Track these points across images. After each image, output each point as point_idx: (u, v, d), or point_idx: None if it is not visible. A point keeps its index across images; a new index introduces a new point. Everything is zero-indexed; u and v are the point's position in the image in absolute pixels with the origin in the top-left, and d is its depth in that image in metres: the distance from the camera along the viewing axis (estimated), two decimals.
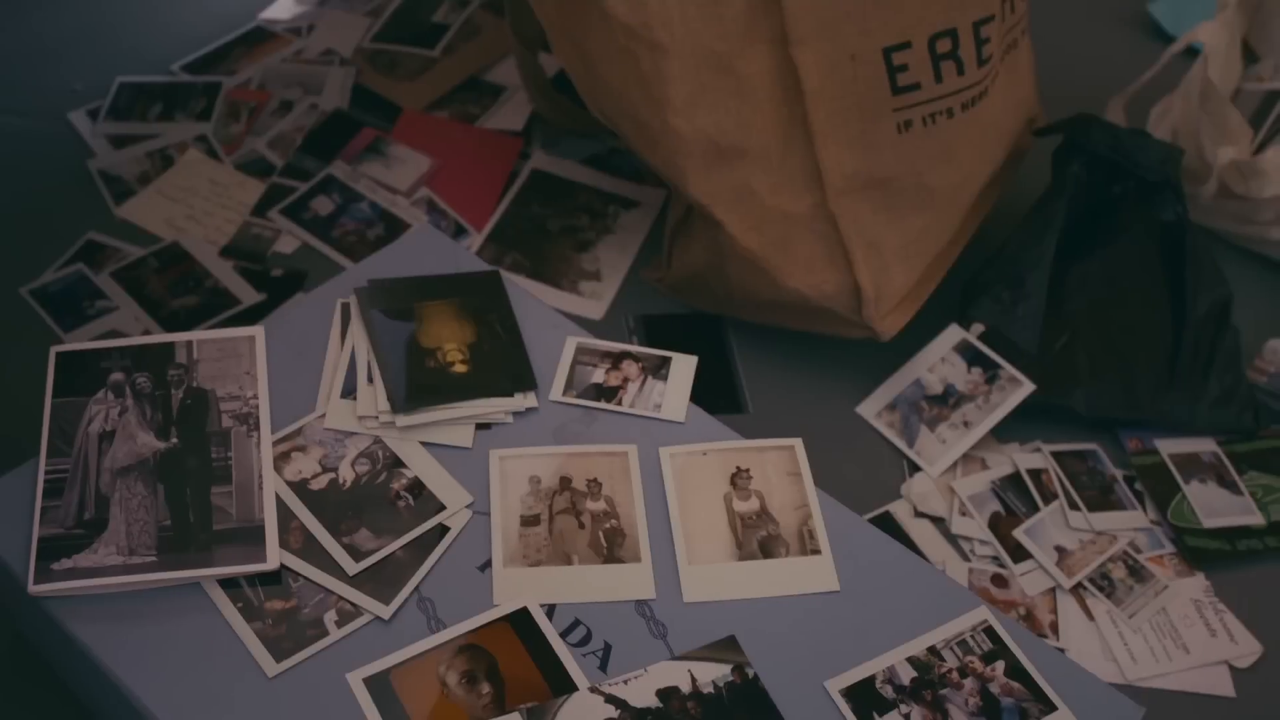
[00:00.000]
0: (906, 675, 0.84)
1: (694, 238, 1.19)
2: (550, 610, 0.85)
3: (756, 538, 0.91)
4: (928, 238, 1.13)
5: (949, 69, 1.05)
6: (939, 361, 1.17)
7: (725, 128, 1.06)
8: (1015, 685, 0.84)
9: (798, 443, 0.97)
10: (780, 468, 0.95)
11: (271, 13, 1.58)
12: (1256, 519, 1.11)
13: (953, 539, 1.09)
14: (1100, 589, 1.05)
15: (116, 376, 0.93)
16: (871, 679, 0.83)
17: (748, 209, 1.09)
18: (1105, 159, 1.20)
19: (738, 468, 0.95)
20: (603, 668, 0.83)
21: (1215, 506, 1.11)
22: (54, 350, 0.95)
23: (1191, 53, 1.46)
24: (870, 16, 1.02)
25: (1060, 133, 1.23)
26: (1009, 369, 1.15)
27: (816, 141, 1.05)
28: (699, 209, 1.11)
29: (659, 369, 1.01)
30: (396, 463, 0.92)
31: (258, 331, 0.98)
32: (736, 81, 1.04)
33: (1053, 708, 0.83)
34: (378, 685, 0.80)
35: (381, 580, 0.85)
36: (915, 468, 1.14)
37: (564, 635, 0.84)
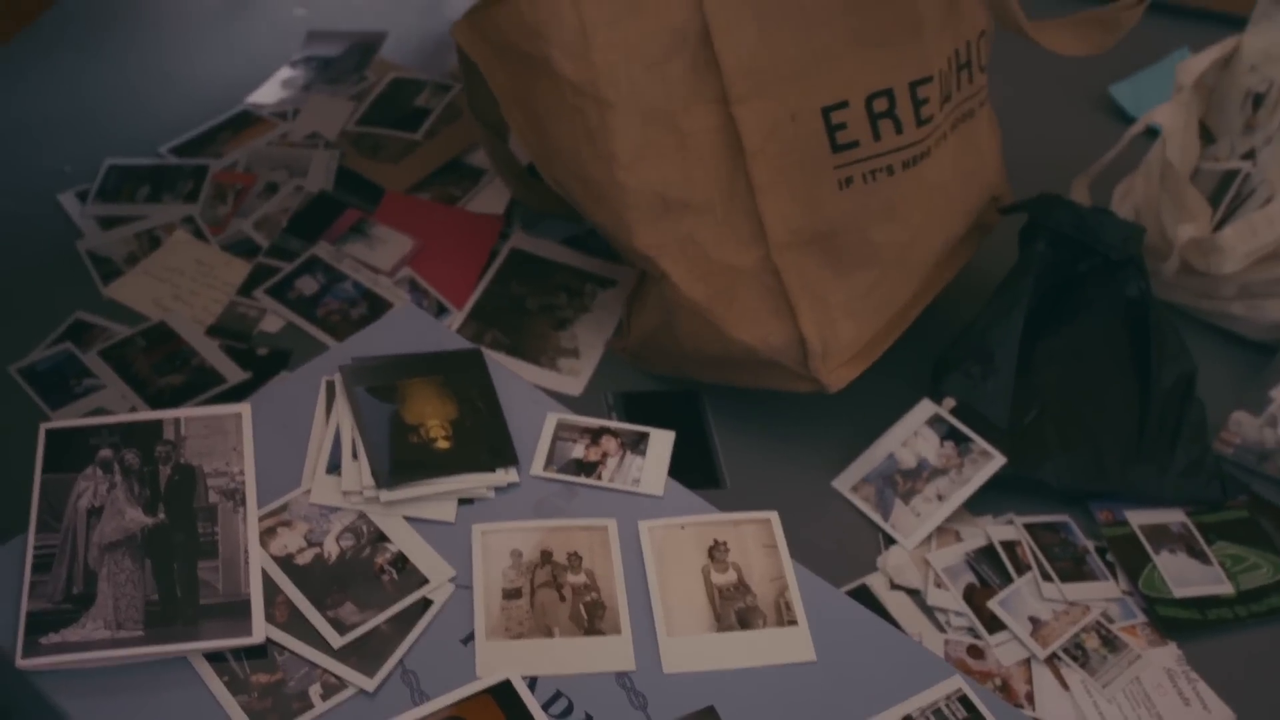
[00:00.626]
0: None
1: (647, 299, 1.22)
2: (532, 682, 0.87)
3: (734, 609, 0.92)
4: (877, 295, 1.16)
5: (887, 128, 1.09)
6: (912, 436, 1.20)
7: (670, 181, 1.10)
8: None
9: (773, 515, 0.99)
10: (757, 540, 0.97)
11: (258, 97, 1.61)
12: (1226, 588, 1.13)
13: (928, 610, 1.10)
14: (1074, 659, 1.07)
15: (105, 453, 0.95)
16: None
17: (693, 261, 1.13)
18: (1069, 237, 1.24)
19: (715, 540, 0.97)
20: None
21: (1186, 576, 1.13)
22: (44, 427, 0.96)
23: (1152, 134, 1.50)
24: (808, 77, 1.06)
25: (1025, 211, 1.27)
26: (980, 443, 1.17)
27: (759, 197, 1.09)
28: (646, 264, 1.15)
29: (637, 444, 1.03)
30: (380, 537, 0.94)
31: (244, 409, 1.00)
32: (681, 138, 1.08)
33: None
34: None
35: (366, 653, 0.86)
36: (891, 540, 1.15)
37: (546, 707, 0.85)
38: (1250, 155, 1.40)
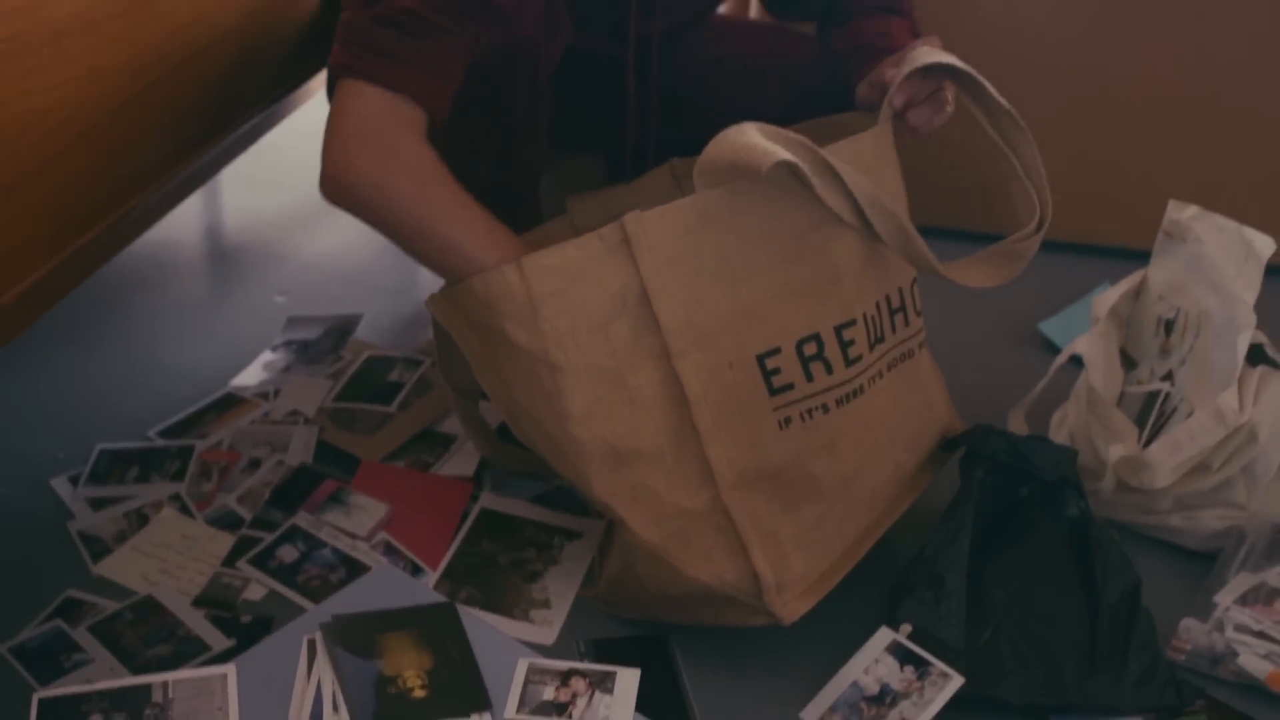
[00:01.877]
0: None
1: (612, 546, 1.28)
2: None
3: None
4: (826, 527, 1.23)
5: (818, 369, 1.18)
6: (873, 663, 1.24)
7: (621, 434, 1.17)
8: None
9: None
10: None
11: (242, 380, 1.71)
12: None
13: None
14: None
15: (95, 719, 0.99)
16: None
17: (648, 506, 1.19)
18: (1006, 464, 1.32)
19: None
20: None
21: None
22: (36, 696, 1.00)
23: (1078, 363, 1.61)
24: (741, 328, 1.16)
25: (962, 444, 1.35)
26: (938, 665, 1.22)
27: (705, 442, 1.17)
28: (605, 510, 1.21)
29: (604, 682, 1.08)
30: None
31: (230, 669, 1.05)
32: (628, 392, 1.17)
33: None
34: None
35: None
36: None
37: None
38: (1168, 377, 1.50)
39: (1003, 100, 1.27)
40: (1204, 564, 1.40)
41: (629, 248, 1.14)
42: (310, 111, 1.91)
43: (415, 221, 1.24)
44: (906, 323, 1.30)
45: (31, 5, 1.13)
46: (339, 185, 1.26)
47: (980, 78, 1.27)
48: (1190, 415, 1.40)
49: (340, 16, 1.31)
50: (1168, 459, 1.38)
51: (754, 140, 1.11)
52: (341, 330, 1.83)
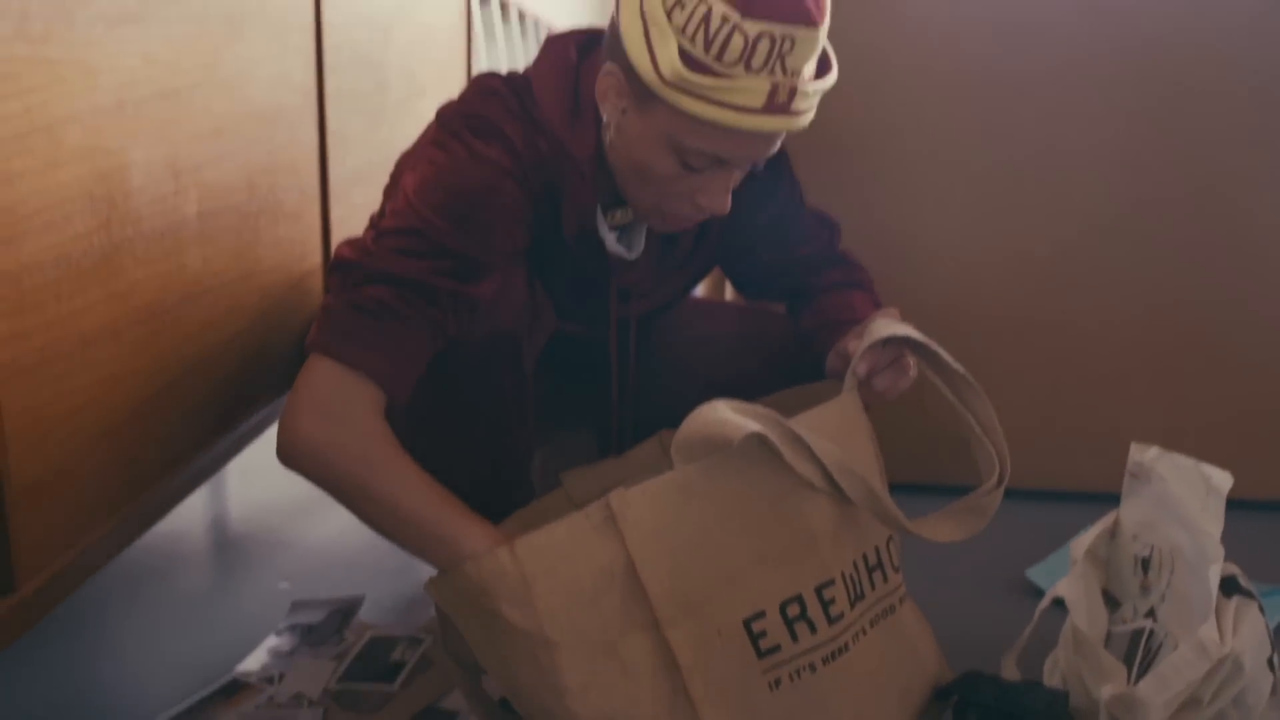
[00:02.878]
0: None
1: None
2: None
3: None
4: None
5: (802, 629, 1.23)
6: None
7: (617, 705, 1.20)
8: None
9: None
10: None
11: (246, 665, 1.74)
12: None
13: None
14: None
15: None
16: None
17: None
18: (999, 710, 1.34)
19: None
20: None
21: None
22: None
23: (1063, 606, 1.65)
24: (726, 595, 1.21)
25: (953, 693, 1.38)
26: None
27: (699, 708, 1.20)
28: None
29: None
30: None
31: None
32: (621, 664, 1.20)
33: None
34: None
35: None
36: None
37: None
38: (1151, 613, 1.53)
39: (957, 365, 1.35)
40: None
41: (615, 524, 1.20)
42: None
43: (359, 488, 1.31)
44: (885, 579, 1.34)
45: (64, 317, 1.23)
46: (287, 449, 1.33)
47: (935, 346, 1.36)
48: (1175, 649, 1.43)
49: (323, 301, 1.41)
50: (1157, 695, 1.40)
51: (725, 416, 1.19)
52: (345, 612, 1.87)
